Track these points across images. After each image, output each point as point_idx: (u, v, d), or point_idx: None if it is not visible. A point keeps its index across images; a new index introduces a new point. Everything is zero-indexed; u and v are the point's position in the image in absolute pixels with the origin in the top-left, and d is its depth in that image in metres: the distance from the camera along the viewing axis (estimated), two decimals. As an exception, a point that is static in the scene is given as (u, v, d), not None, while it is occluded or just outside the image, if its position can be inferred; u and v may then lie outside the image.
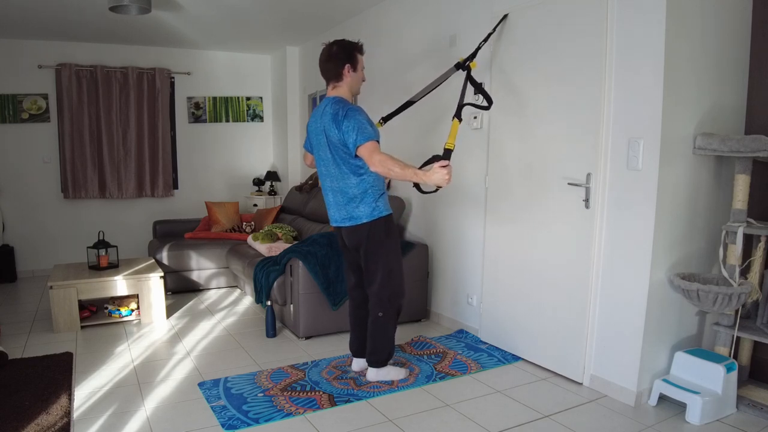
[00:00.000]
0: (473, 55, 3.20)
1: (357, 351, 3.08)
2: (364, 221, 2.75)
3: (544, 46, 3.02)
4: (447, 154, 2.64)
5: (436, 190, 2.86)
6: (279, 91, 6.45)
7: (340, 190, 2.76)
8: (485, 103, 3.15)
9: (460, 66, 3.22)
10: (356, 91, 2.86)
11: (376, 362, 2.91)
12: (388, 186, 4.52)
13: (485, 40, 3.25)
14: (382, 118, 3.29)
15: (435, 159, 2.64)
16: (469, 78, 3.11)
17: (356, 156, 2.64)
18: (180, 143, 6.27)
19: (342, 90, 2.78)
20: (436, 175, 2.53)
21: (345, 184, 2.73)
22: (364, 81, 2.87)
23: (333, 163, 2.74)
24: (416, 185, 2.92)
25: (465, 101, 2.98)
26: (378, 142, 2.63)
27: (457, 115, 2.85)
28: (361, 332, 3.03)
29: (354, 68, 2.77)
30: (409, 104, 3.36)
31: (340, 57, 2.74)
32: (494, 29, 3.27)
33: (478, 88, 3.16)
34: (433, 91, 3.38)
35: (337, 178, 2.75)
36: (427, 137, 4.04)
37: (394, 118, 3.37)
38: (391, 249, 2.83)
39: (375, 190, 2.76)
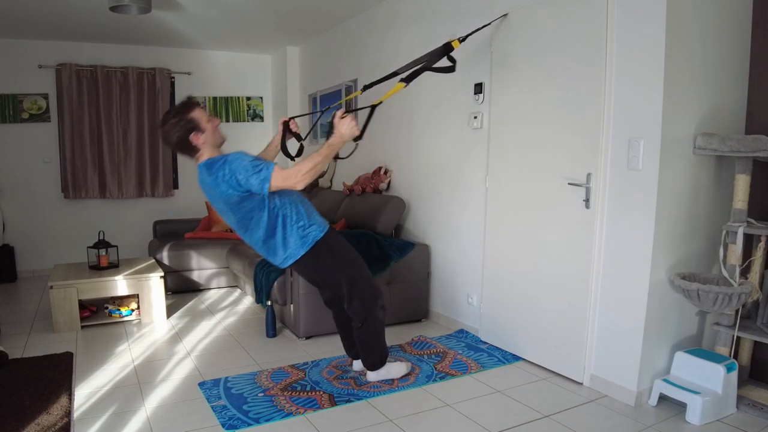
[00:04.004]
0: (462, 39, 3.11)
1: (353, 354, 3.08)
2: (303, 253, 2.61)
3: (544, 46, 3.02)
4: (372, 108, 2.50)
5: (356, 148, 2.67)
6: (279, 91, 6.45)
7: (266, 237, 2.60)
8: (450, 65, 3.00)
9: (447, 46, 3.09)
10: (219, 143, 2.62)
11: (372, 365, 2.91)
12: (388, 186, 4.53)
13: (478, 29, 3.22)
14: (364, 86, 3.26)
15: (333, 116, 2.50)
16: (446, 53, 2.99)
17: (271, 193, 2.48)
18: (180, 143, 6.26)
19: (206, 153, 2.55)
20: (342, 127, 2.42)
21: (266, 231, 2.57)
22: (218, 125, 2.61)
23: (244, 219, 2.56)
24: (337, 156, 2.72)
25: (427, 67, 2.84)
26: (276, 165, 2.46)
27: (406, 79, 2.72)
28: (350, 338, 3.01)
29: (199, 130, 2.51)
30: (393, 75, 3.17)
31: (178, 133, 2.50)
32: (491, 22, 3.24)
33: (449, 57, 3.04)
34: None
35: (255, 230, 2.58)
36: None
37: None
38: (343, 262, 2.71)
39: (298, 221, 2.60)
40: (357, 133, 2.46)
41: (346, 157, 2.83)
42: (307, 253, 2.62)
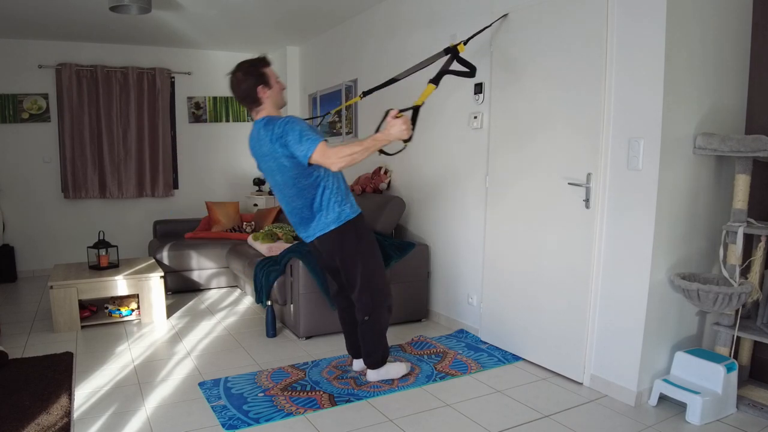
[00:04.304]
0: (464, 42, 3.14)
1: (355, 352, 3.09)
2: (332, 228, 2.66)
3: (544, 46, 3.02)
4: (414, 108, 2.52)
5: (404, 147, 2.71)
6: (279, 91, 6.44)
7: (302, 206, 2.67)
8: (468, 72, 3.04)
9: (449, 51, 3.13)
10: (281, 104, 2.74)
11: (373, 364, 2.91)
12: (388, 186, 4.53)
13: (480, 31, 3.23)
14: (363, 92, 3.27)
15: (389, 111, 2.52)
16: (457, 58, 3.03)
17: (310, 165, 2.54)
18: (180, 143, 6.28)
19: (266, 110, 2.67)
20: (393, 128, 2.43)
21: (305, 200, 2.65)
22: (284, 89, 2.75)
23: (287, 184, 2.64)
24: (382, 151, 2.76)
25: (448, 69, 2.90)
26: (325, 141, 2.51)
27: (434, 80, 2.76)
28: (353, 334, 3.02)
29: (267, 85, 2.64)
30: (392, 81, 3.27)
31: (248, 81, 2.62)
32: (492, 23, 3.25)
33: (464, 63, 3.07)
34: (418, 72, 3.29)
35: (295, 197, 2.66)
36: (423, 139, 4.03)
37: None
38: (366, 252, 2.76)
39: (336, 195, 2.67)
40: (407, 135, 2.47)
41: (392, 154, 2.83)
42: (336, 230, 2.67)
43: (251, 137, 2.74)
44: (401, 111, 2.50)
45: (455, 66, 3.06)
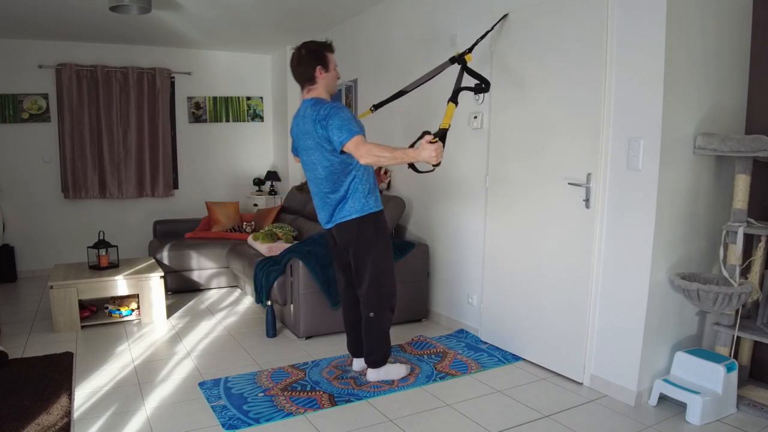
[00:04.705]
0: (469, 50, 3.17)
1: (355, 351, 3.08)
2: (354, 217, 2.72)
3: (544, 46, 3.02)
4: (441, 132, 2.58)
5: (433, 169, 2.75)
6: (279, 91, 6.45)
7: (330, 190, 2.74)
8: (483, 86, 3.10)
9: (455, 60, 3.18)
10: (332, 90, 2.83)
11: (374, 363, 2.91)
12: (388, 186, 4.53)
13: (483, 37, 3.24)
14: (374, 105, 3.28)
15: (425, 134, 2.56)
16: (465, 69, 3.07)
17: (342, 152, 2.61)
18: (180, 143, 6.27)
19: (318, 91, 2.76)
20: (424, 152, 2.47)
21: (333, 184, 2.72)
22: (338, 78, 2.86)
23: (319, 164, 2.71)
24: (411, 166, 2.84)
25: (462, 86, 2.95)
26: (363, 135, 2.59)
27: (453, 99, 2.81)
28: (356, 333, 3.02)
29: (326, 68, 2.75)
30: (401, 94, 3.34)
31: (310, 60, 2.73)
32: (493, 27, 3.26)
33: (475, 75, 3.11)
34: (426, 82, 3.36)
35: (324, 180, 2.73)
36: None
37: (385, 108, 3.39)
38: (380, 248, 2.80)
39: (364, 186, 2.74)
40: (435, 162, 2.52)
41: (421, 172, 2.90)
42: (357, 219, 2.72)
43: (297, 114, 2.83)
44: (436, 136, 2.55)
45: (467, 79, 3.11)
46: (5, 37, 5.34)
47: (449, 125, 2.64)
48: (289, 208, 5.63)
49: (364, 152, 2.52)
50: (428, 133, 2.54)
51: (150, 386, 2.90)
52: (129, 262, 4.45)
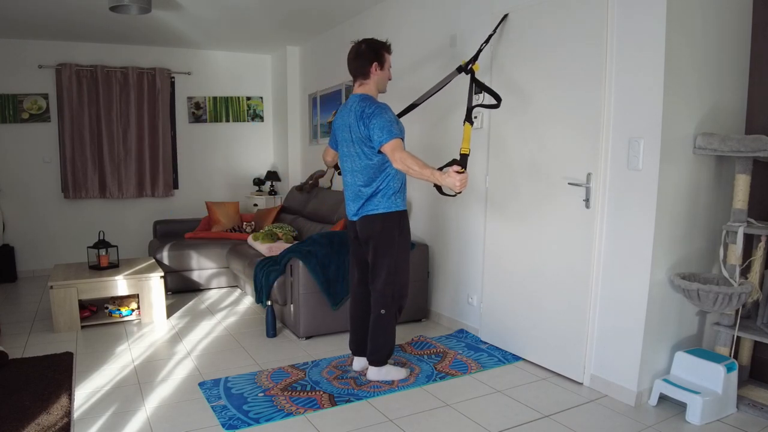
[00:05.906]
0: (475, 58, 3.20)
1: (357, 350, 3.08)
2: (380, 212, 2.79)
3: (544, 46, 3.02)
4: (463, 160, 2.65)
5: (455, 195, 2.84)
6: (279, 91, 6.45)
7: (363, 184, 2.81)
8: (493, 101, 3.13)
9: (462, 69, 3.22)
10: (383, 89, 2.90)
11: (377, 360, 2.92)
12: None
13: (486, 42, 3.25)
14: None
15: (454, 163, 2.63)
16: (474, 80, 3.12)
17: (379, 152, 2.69)
18: (180, 143, 6.28)
19: (368, 87, 2.83)
20: (449, 179, 2.52)
21: (367, 178, 2.79)
22: (390, 79, 2.92)
23: (357, 158, 2.79)
24: (437, 186, 2.89)
25: (473, 104, 3.00)
26: (402, 139, 2.68)
27: (468, 119, 2.88)
28: (361, 331, 3.03)
29: (381, 66, 2.82)
30: (412, 107, 3.38)
31: (368, 55, 2.79)
32: (495, 30, 3.27)
33: (485, 88, 3.14)
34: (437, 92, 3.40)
35: (360, 173, 2.80)
36: (432, 134, 4.04)
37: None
38: (400, 247, 2.86)
39: (395, 184, 2.82)
40: (457, 191, 2.57)
41: (443, 194, 2.94)
42: (382, 215, 2.80)
43: (344, 106, 2.90)
44: (454, 159, 2.65)
45: (478, 95, 3.18)
46: (5, 37, 5.34)
47: (469, 150, 2.71)
48: (289, 208, 5.63)
49: (398, 158, 2.60)
50: (457, 162, 2.61)
51: (150, 386, 2.90)
52: (129, 262, 4.45)
